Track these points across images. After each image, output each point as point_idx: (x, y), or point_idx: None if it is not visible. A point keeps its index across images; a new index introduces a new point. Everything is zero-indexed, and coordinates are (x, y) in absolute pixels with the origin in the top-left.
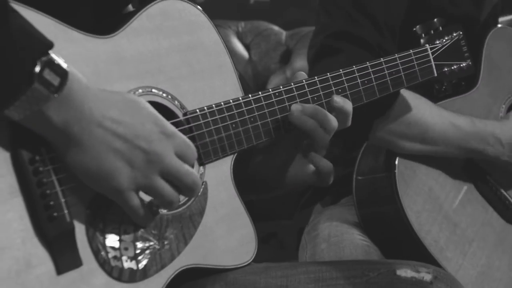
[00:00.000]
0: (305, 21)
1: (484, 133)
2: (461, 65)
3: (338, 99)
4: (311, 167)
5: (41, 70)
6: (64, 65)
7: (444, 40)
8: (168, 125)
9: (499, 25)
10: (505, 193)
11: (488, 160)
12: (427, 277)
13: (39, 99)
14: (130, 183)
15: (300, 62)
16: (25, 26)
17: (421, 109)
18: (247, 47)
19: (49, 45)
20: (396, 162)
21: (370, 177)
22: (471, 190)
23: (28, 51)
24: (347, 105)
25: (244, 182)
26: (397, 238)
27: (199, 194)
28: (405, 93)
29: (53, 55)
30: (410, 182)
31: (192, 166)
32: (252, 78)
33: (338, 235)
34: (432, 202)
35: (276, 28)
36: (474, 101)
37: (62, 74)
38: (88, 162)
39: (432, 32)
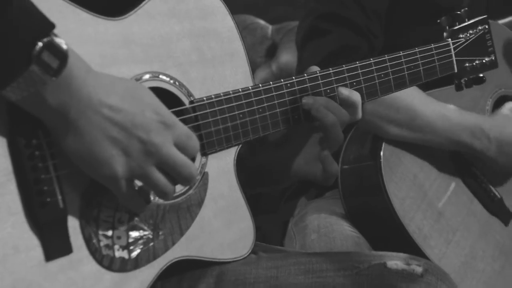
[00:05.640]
0: (292, 16)
1: (472, 126)
2: (484, 61)
3: (344, 90)
4: (320, 167)
5: (40, 52)
6: (65, 47)
7: (468, 35)
8: (169, 114)
9: (490, 21)
10: (490, 185)
11: (473, 154)
12: (418, 269)
13: (36, 81)
14: (125, 172)
15: (286, 56)
16: (27, 6)
17: (411, 96)
18: None
19: (50, 26)
20: (382, 149)
21: (356, 165)
22: (456, 180)
23: (28, 32)
24: (354, 96)
25: (251, 174)
26: (382, 225)
27: (200, 185)
28: None
29: (54, 37)
30: (395, 168)
31: (194, 158)
32: None
33: (327, 226)
34: (416, 189)
35: (262, 22)
36: (461, 92)
37: (62, 57)
38: (83, 148)
39: (457, 24)
